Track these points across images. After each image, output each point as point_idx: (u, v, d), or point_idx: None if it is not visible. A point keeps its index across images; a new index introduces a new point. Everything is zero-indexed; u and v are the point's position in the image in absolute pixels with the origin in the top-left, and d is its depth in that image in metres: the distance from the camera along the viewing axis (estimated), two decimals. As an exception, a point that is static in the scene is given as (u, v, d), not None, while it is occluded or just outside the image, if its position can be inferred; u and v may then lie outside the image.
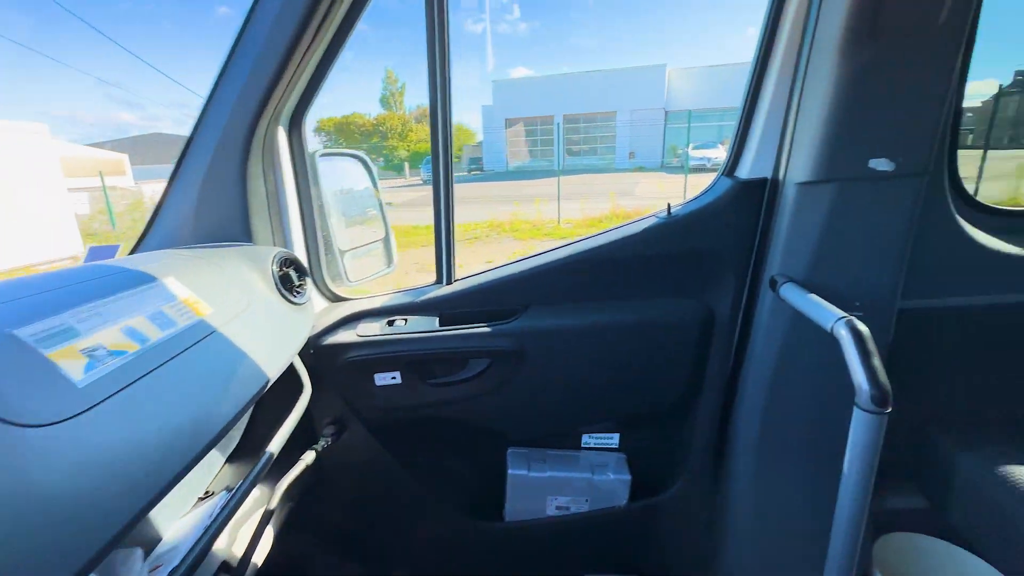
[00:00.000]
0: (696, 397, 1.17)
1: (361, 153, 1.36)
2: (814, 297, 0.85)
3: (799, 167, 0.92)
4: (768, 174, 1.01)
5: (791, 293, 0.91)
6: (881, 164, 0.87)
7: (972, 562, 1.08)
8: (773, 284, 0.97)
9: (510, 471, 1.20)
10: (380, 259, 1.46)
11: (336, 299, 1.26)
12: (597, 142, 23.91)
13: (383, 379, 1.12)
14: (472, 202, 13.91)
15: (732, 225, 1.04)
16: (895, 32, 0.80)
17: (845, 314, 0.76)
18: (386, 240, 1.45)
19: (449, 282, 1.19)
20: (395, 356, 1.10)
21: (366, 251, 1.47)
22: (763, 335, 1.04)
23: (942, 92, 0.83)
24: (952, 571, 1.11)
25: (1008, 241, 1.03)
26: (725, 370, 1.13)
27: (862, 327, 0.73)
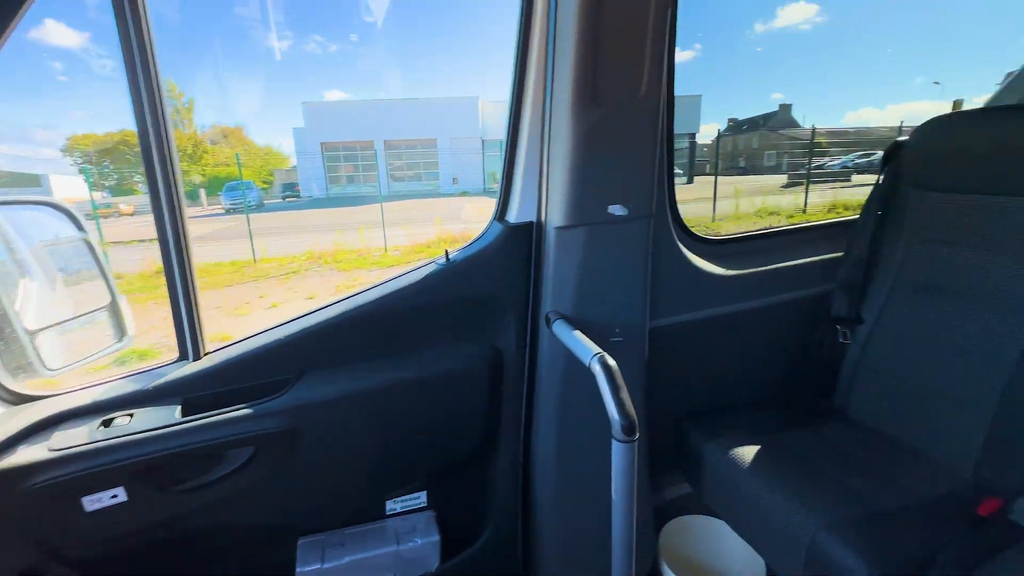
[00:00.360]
0: (496, 438, 1.17)
1: (56, 200, 1.04)
2: (577, 333, 0.91)
3: (556, 213, 1.00)
4: (534, 218, 1.07)
5: (561, 330, 0.96)
6: (617, 210, 0.99)
7: (720, 527, 1.30)
8: (548, 322, 1.02)
9: (298, 569, 1.02)
10: (107, 332, 1.14)
11: (21, 400, 0.92)
12: (421, 168, 24.17)
13: (97, 501, 0.84)
14: (289, 232, 12.56)
15: (507, 267, 1.07)
16: (610, 100, 0.92)
17: (599, 351, 0.82)
18: (113, 306, 1.13)
19: (196, 357, 0.97)
20: (114, 468, 0.83)
21: (83, 324, 1.13)
22: (547, 370, 1.08)
23: (652, 149, 0.99)
24: (709, 538, 1.33)
25: (716, 264, 1.28)
26: (519, 407, 1.16)
27: (611, 363, 0.79)
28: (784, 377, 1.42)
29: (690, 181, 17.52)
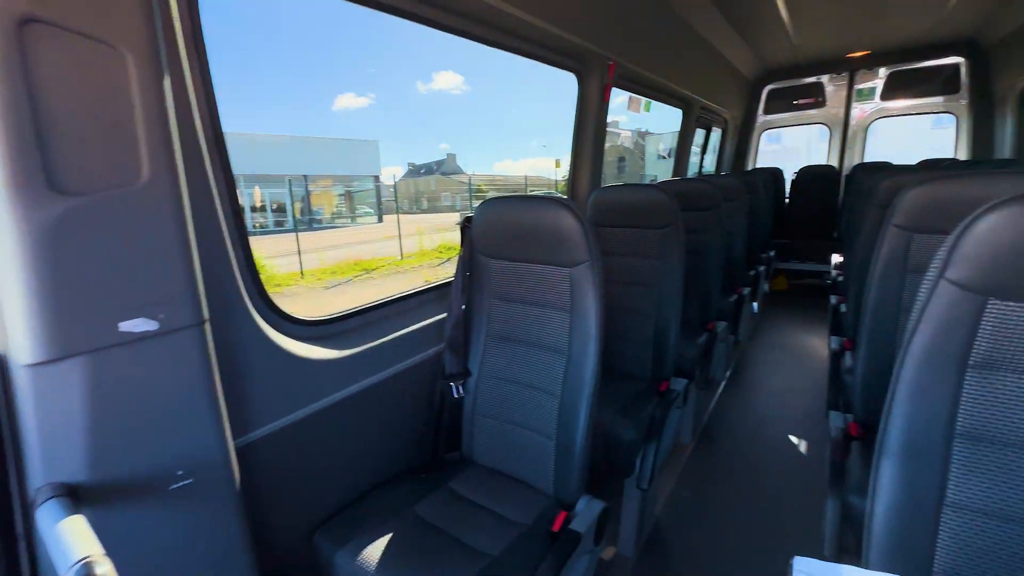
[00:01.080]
0: None
1: None
2: (67, 523, 0.62)
3: (24, 344, 0.68)
4: None
5: (45, 520, 0.64)
6: (139, 325, 0.75)
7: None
8: (33, 507, 0.68)
9: None
10: None
11: None
12: None
13: None
14: None
15: None
16: (88, 189, 0.68)
17: (86, 556, 0.56)
18: None
19: None
20: None
21: None
22: None
23: (182, 242, 0.79)
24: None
25: (327, 346, 1.19)
26: None
27: (100, 572, 0.55)
28: (420, 441, 1.45)
29: (380, 220, 18.29)
